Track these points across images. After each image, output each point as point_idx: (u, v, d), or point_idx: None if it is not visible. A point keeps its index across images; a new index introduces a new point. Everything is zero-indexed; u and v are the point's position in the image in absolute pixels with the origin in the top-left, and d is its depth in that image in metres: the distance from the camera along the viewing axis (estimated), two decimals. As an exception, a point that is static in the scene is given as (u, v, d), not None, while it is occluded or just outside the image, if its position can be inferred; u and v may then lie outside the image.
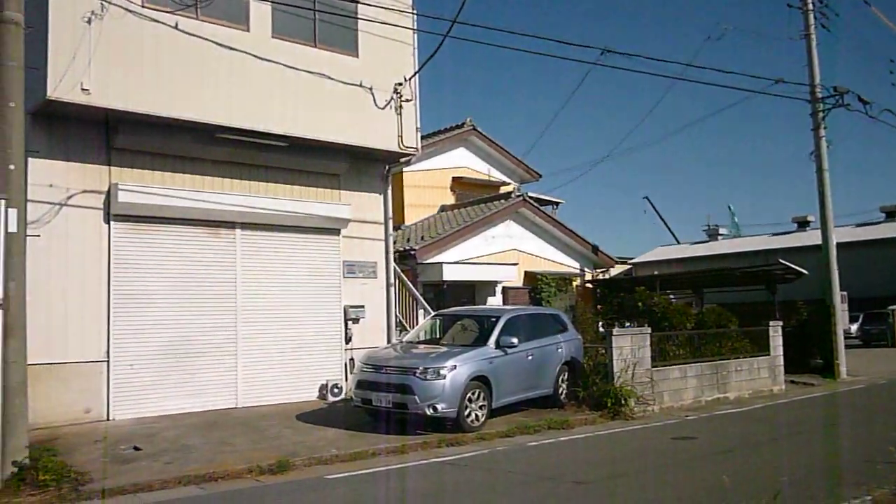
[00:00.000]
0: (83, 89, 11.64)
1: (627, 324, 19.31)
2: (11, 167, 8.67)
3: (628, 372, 14.17)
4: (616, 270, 29.70)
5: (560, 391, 13.90)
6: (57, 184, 12.26)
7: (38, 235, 11.57)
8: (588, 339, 16.02)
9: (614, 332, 14.59)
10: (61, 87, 11.42)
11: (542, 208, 24.56)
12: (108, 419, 12.46)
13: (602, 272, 26.69)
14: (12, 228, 8.58)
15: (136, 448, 10.21)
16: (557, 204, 28.58)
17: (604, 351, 14.73)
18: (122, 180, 12.83)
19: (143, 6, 12.28)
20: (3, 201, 8.51)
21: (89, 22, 11.70)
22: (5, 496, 7.92)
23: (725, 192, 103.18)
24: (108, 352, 12.61)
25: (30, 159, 9.74)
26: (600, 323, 21.26)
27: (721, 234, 49.95)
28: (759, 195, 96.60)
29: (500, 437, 11.58)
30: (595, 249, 25.50)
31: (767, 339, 18.44)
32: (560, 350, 13.96)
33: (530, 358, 13.08)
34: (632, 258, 40.46)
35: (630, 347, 14.51)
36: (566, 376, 14.07)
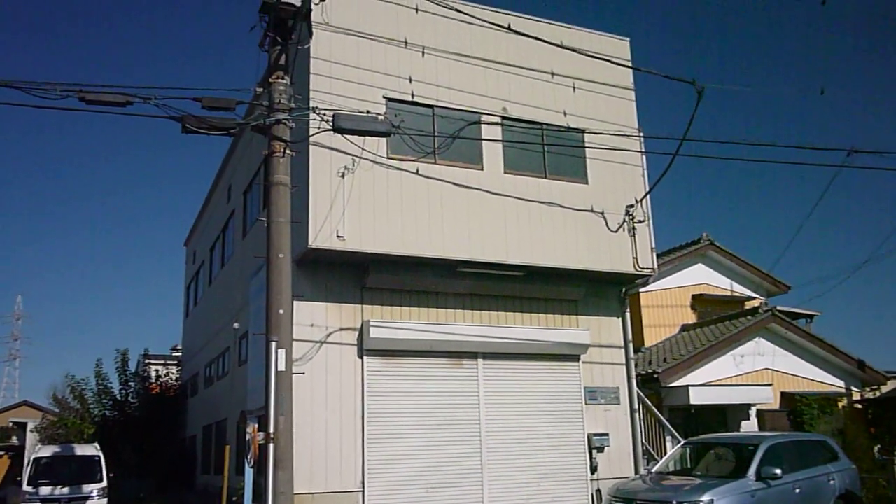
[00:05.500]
0: (338, 236, 12.82)
1: (911, 449, 17.01)
2: (280, 312, 9.62)
3: (920, 507, 12.40)
4: (890, 387, 26.48)
5: (837, 528, 12.39)
6: (317, 323, 13.39)
7: (303, 373, 12.52)
8: (864, 469, 14.25)
9: (897, 461, 12.91)
10: (320, 236, 12.66)
11: (794, 322, 22.77)
12: (364, 549, 12.87)
13: (872, 390, 23.92)
14: (281, 367, 9.42)
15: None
16: (812, 317, 26.36)
17: (885, 483, 13.03)
18: (372, 317, 13.75)
19: (388, 157, 13.45)
20: (273, 343, 9.42)
21: (343, 176, 12.99)
22: None
23: None
24: (363, 482, 13.16)
25: (295, 302, 10.78)
26: (876, 449, 18.89)
27: None
28: None
29: (770, 581, 10.45)
30: (861, 365, 23.00)
31: None
32: (832, 482, 12.52)
33: (798, 491, 11.84)
34: (907, 372, 36.05)
35: (918, 478, 12.73)
36: (843, 512, 12.55)
